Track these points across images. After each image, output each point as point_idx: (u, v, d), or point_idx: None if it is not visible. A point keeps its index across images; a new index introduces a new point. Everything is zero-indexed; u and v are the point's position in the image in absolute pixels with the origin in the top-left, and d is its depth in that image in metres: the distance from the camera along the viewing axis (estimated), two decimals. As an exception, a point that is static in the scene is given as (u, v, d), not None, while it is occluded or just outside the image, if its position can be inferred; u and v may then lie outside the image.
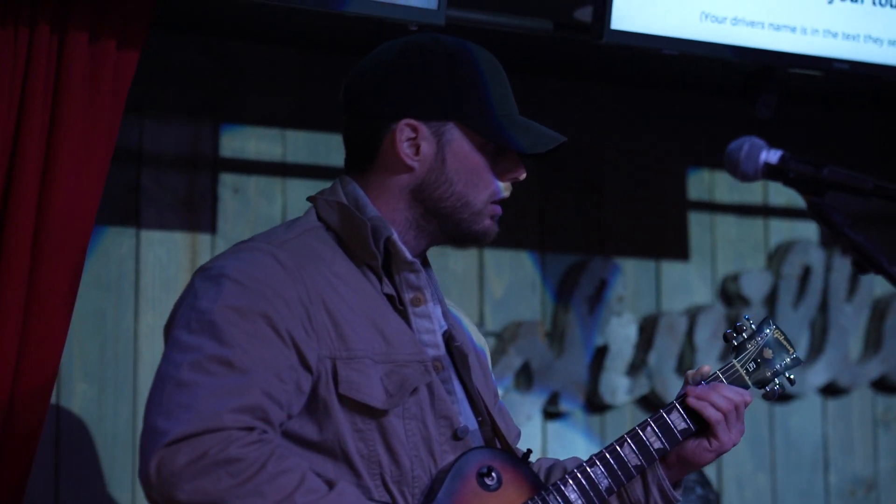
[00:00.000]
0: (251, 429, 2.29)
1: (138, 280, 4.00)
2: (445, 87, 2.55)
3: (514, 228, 4.58)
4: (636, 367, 4.77)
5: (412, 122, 2.54)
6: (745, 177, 2.32)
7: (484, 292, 4.60)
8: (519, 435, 2.90)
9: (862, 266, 2.24)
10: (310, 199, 2.62)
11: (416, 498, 2.46)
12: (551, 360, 4.60)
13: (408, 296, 2.55)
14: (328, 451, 2.42)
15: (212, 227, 4.12)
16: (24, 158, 3.03)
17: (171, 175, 4.05)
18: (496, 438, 2.65)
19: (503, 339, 4.57)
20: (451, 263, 4.53)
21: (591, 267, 4.72)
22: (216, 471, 2.23)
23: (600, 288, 4.72)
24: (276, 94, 4.25)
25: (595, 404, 4.72)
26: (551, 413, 4.64)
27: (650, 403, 4.78)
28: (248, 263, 2.43)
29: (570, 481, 2.62)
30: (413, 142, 2.55)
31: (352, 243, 2.53)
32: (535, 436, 4.57)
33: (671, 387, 4.78)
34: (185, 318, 2.38)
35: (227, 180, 4.14)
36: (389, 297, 2.54)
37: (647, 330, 4.81)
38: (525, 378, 4.58)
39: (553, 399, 4.61)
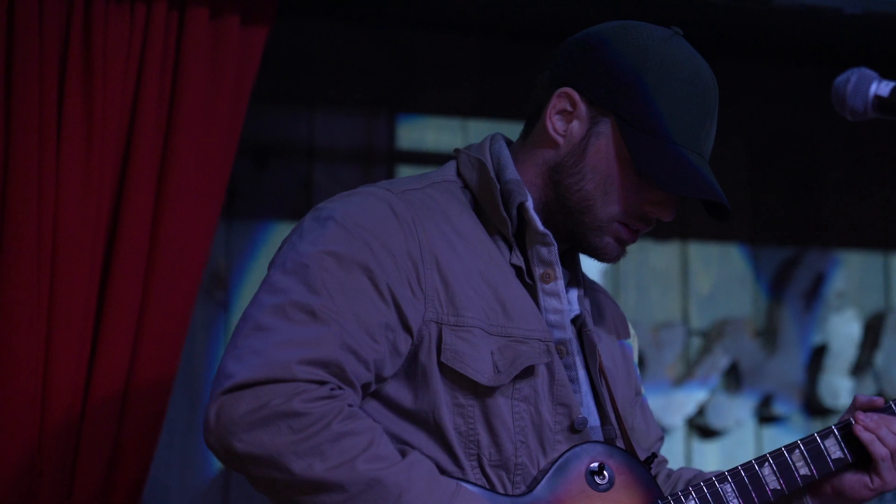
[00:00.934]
0: (322, 383, 2.09)
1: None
2: (624, 79, 2.28)
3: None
4: (861, 367, 4.41)
5: (573, 93, 2.29)
6: (854, 113, 2.05)
7: (689, 288, 4.34)
8: (661, 440, 2.65)
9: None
10: (455, 151, 2.44)
11: (517, 486, 2.23)
12: (763, 360, 4.30)
13: (538, 270, 2.30)
14: (422, 422, 2.20)
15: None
16: (140, 150, 2.93)
17: (345, 168, 3.96)
18: (620, 439, 2.40)
19: (709, 338, 4.30)
20: (652, 258, 4.29)
21: (807, 260, 4.40)
22: (277, 423, 2.06)
23: (817, 283, 4.39)
24: (456, 83, 4.11)
25: (814, 407, 4.38)
26: (765, 417, 4.32)
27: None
28: (360, 208, 2.23)
29: (694, 494, 2.33)
30: (566, 115, 2.30)
31: (485, 205, 2.31)
32: (747, 441, 4.28)
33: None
34: (282, 258, 2.21)
35: (404, 172, 4.02)
36: (518, 270, 2.31)
37: (874, 328, 4.44)
38: (734, 379, 4.29)
39: (766, 401, 4.30)
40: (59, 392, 2.81)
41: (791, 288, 4.38)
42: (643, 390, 2.64)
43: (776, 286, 4.41)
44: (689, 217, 4.34)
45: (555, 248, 2.29)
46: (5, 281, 2.78)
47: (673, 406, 4.20)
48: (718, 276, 4.37)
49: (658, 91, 2.25)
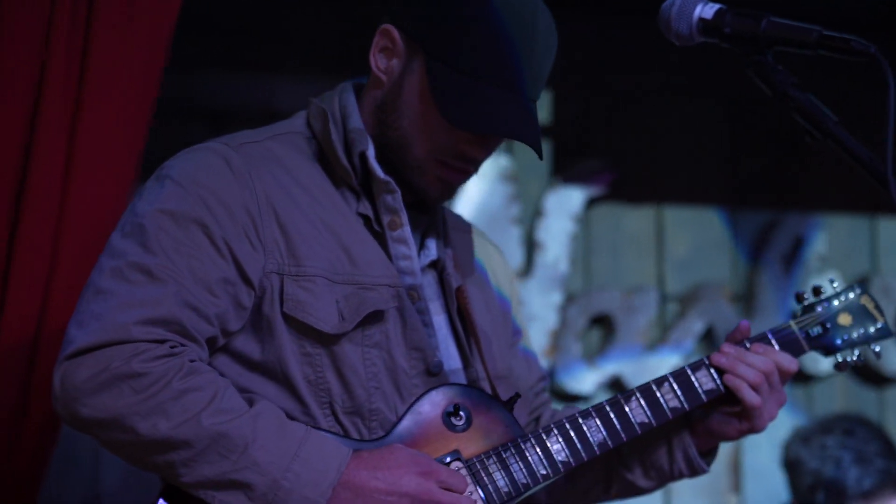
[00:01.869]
0: (161, 342, 2.10)
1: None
2: (437, 13, 2.25)
3: (700, 183, 4.25)
4: (843, 333, 4.32)
5: (392, 29, 2.27)
6: (679, 37, 1.99)
7: (664, 253, 4.28)
8: (542, 379, 2.62)
9: (811, 134, 1.89)
10: (309, 100, 2.41)
11: (374, 432, 2.22)
12: (739, 325, 4.24)
13: (385, 218, 2.30)
14: (270, 373, 2.20)
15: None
16: (49, 105, 2.91)
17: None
18: (485, 381, 2.38)
19: (684, 302, 4.24)
20: (626, 223, 4.24)
21: (787, 223, 4.33)
22: (118, 385, 2.06)
23: (797, 246, 4.31)
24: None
25: (796, 375, 4.29)
26: (743, 383, 4.25)
27: (863, 373, 4.32)
28: (195, 165, 2.23)
29: (556, 431, 2.31)
30: (387, 52, 2.29)
31: (329, 155, 2.30)
32: (724, 407, 4.21)
33: (891, 356, 4.30)
34: (122, 221, 2.22)
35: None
36: (365, 219, 2.30)
37: (858, 293, 4.34)
38: (708, 344, 4.23)
39: (743, 367, 4.23)
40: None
41: (770, 252, 4.31)
42: (526, 340, 2.62)
43: (755, 250, 4.34)
44: (664, 181, 4.30)
45: (398, 195, 2.28)
46: None
47: (645, 371, 4.14)
48: (694, 240, 4.32)
49: (468, 26, 2.21)
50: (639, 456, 2.47)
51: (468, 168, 2.30)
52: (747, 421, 2.40)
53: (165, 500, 2.13)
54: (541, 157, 2.24)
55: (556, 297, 4.17)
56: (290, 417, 2.17)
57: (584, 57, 4.09)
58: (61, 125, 2.89)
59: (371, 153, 2.28)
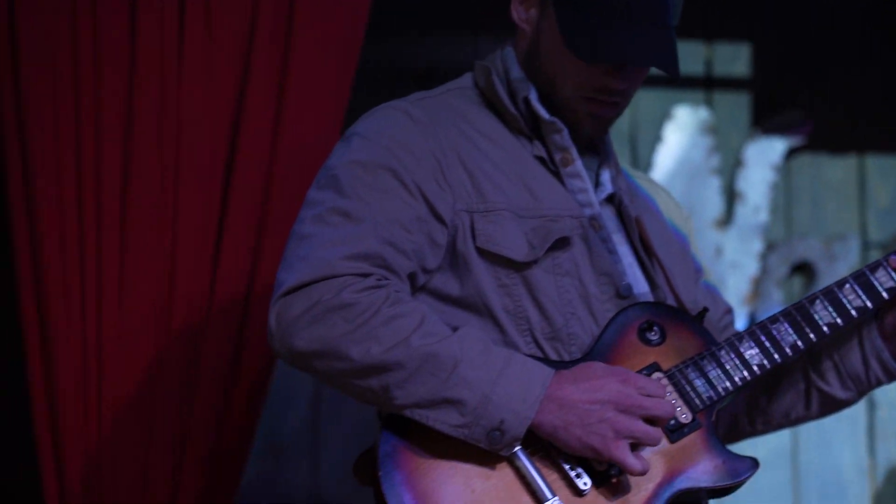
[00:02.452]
0: (367, 275, 2.25)
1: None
2: None
3: (902, 130, 4.27)
4: None
5: None
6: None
7: (866, 201, 4.30)
8: (729, 312, 2.72)
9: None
10: (473, 63, 2.60)
11: (573, 355, 2.36)
12: (944, 273, 4.22)
13: (557, 156, 2.45)
14: (471, 306, 2.35)
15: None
16: (257, 67, 3.09)
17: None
18: (672, 300, 2.50)
19: (886, 250, 4.24)
20: (826, 172, 4.28)
21: None
22: (330, 317, 2.21)
23: None
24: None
25: None
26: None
27: None
28: (377, 121, 2.41)
29: (748, 337, 2.43)
30: (525, 2, 2.45)
31: (497, 105, 2.47)
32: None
33: None
34: (316, 178, 2.40)
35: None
36: (541, 160, 2.45)
37: None
38: (912, 293, 4.23)
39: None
40: (184, 297, 3.07)
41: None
42: (707, 276, 2.73)
43: (960, 196, 4.32)
44: (865, 130, 4.32)
45: (566, 133, 2.43)
46: (133, 189, 3.05)
47: (848, 318, 4.18)
48: (898, 188, 4.32)
49: None
50: (834, 367, 2.56)
51: (615, 100, 2.44)
52: None
53: (387, 430, 2.25)
54: (677, 77, 2.36)
55: (757, 246, 4.23)
56: None
57: (782, 8, 4.15)
58: (270, 86, 3.11)
59: (534, 97, 2.43)
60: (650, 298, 2.49)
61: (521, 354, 2.26)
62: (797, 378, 2.60)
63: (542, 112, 2.43)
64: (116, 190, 3.05)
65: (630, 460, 2.21)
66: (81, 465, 3.00)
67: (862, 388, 2.58)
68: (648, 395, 2.24)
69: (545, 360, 2.32)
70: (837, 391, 2.58)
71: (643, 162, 4.19)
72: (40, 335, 3.02)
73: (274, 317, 2.24)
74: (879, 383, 2.57)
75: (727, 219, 4.25)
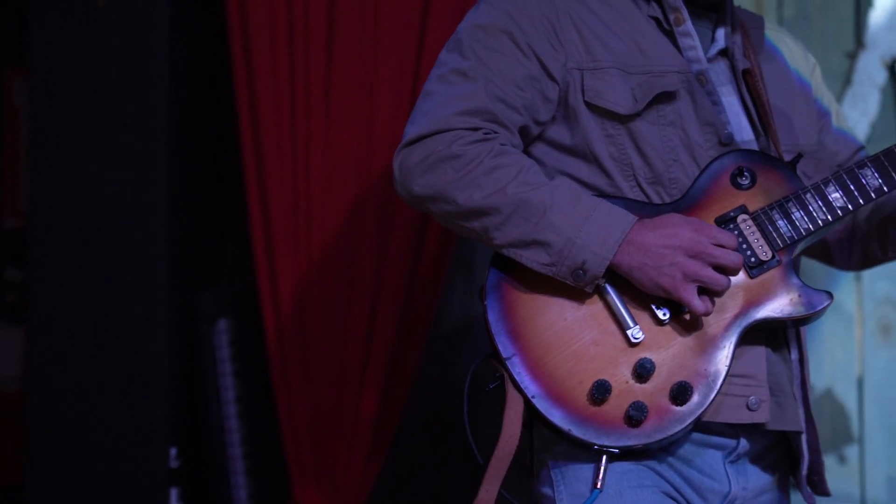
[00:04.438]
0: (476, 129, 2.57)
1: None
2: None
3: None
4: None
5: None
6: None
7: None
8: (859, 150, 2.92)
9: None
10: None
11: (673, 197, 2.65)
12: None
13: (671, 16, 2.71)
14: (580, 154, 2.66)
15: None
16: None
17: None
18: (775, 150, 2.74)
19: None
20: None
21: None
22: (442, 165, 2.55)
23: None
24: None
25: None
26: None
27: None
28: None
29: (833, 181, 2.66)
30: None
31: None
32: None
33: None
34: (447, 42, 2.73)
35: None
36: (657, 21, 2.72)
37: None
38: None
39: None
40: (379, 153, 3.52)
41: None
42: (839, 120, 2.94)
43: None
44: None
45: None
46: (335, 57, 3.50)
47: None
48: None
49: None
50: (880, 236, 2.80)
51: None
52: None
53: (494, 267, 2.61)
54: None
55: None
56: (600, 191, 2.64)
57: None
58: None
59: None
60: (754, 146, 2.74)
61: (609, 204, 2.56)
62: (876, 226, 2.84)
63: None
64: (322, 58, 3.50)
65: (696, 301, 2.50)
66: (293, 299, 3.52)
67: None
68: (719, 245, 2.52)
69: (640, 203, 2.63)
70: None
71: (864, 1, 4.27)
72: (258, 186, 3.54)
73: (397, 165, 2.61)
74: None
75: None
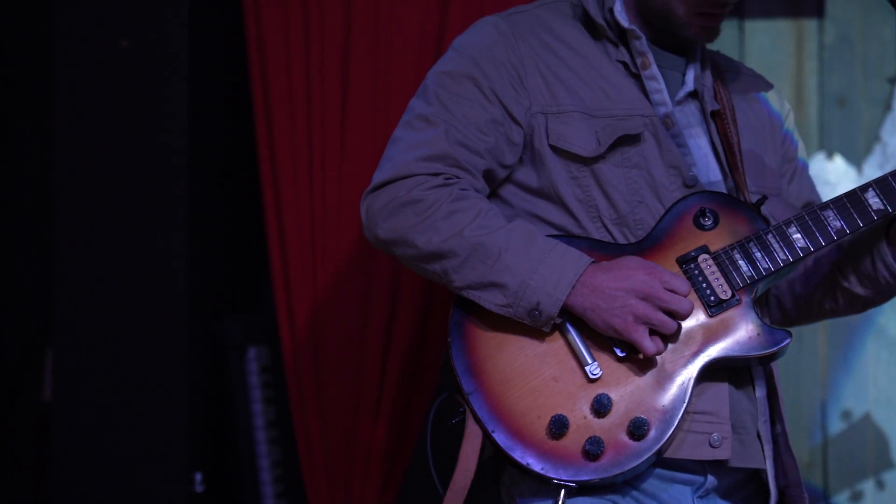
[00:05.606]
0: (438, 174, 2.65)
1: (742, 68, 4.25)
2: None
3: None
4: None
5: None
6: None
7: None
8: (810, 202, 2.95)
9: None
10: None
11: (639, 237, 2.70)
12: None
13: (638, 60, 2.76)
14: (547, 195, 2.72)
15: (818, 12, 4.25)
16: None
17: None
18: (742, 192, 2.77)
19: None
20: None
21: None
22: (404, 210, 2.64)
23: None
24: None
25: None
26: None
27: None
28: (471, 34, 2.80)
29: (795, 222, 2.69)
30: None
31: (587, 16, 2.79)
32: None
33: None
34: (418, 89, 2.81)
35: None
36: (624, 65, 2.77)
37: None
38: None
39: None
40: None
41: None
42: (801, 160, 2.97)
43: None
44: None
45: (643, 39, 2.75)
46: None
47: None
48: None
49: None
50: (853, 266, 2.81)
51: (724, 10, 2.74)
52: None
53: (458, 307, 2.68)
54: None
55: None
56: (567, 231, 2.70)
57: None
58: None
59: (618, 7, 2.75)
60: (721, 187, 2.78)
61: (566, 246, 2.61)
62: (826, 270, 2.86)
63: (622, 20, 2.76)
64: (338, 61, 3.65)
65: (646, 342, 2.56)
66: (308, 314, 3.62)
67: (878, 287, 2.80)
68: (670, 290, 2.57)
69: (607, 244, 2.69)
70: (856, 287, 2.82)
71: None
72: (274, 195, 3.67)
73: (364, 210, 2.71)
74: (888, 283, 2.77)
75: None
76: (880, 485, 4.16)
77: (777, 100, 2.99)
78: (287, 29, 3.70)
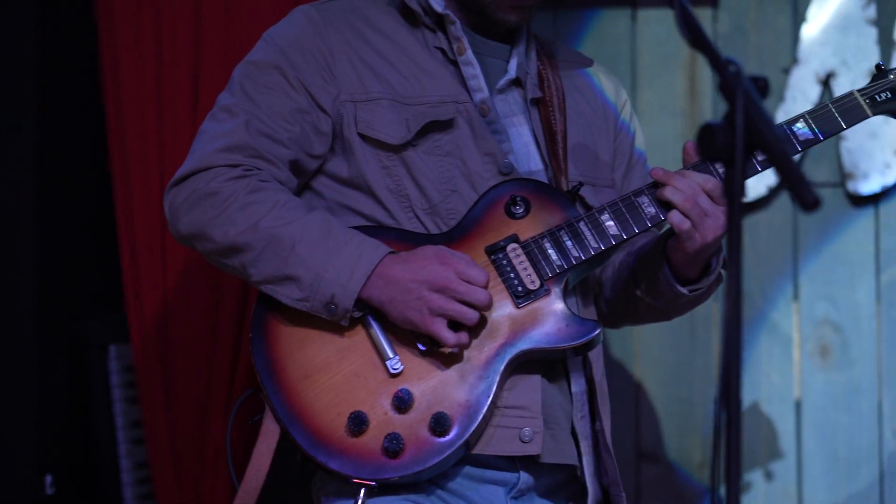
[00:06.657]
0: (236, 165, 2.56)
1: (635, 59, 4.20)
2: None
3: None
4: None
5: None
6: None
7: None
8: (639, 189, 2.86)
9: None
10: None
11: (451, 226, 2.62)
12: None
13: (454, 45, 2.68)
14: (357, 186, 2.64)
15: (712, 2, 4.17)
16: None
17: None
18: (563, 180, 2.69)
19: None
20: None
21: None
22: (202, 203, 2.55)
23: None
24: None
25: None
26: None
27: None
28: (282, 23, 2.73)
29: (608, 209, 2.61)
30: None
31: (403, 3, 2.71)
32: None
33: None
34: None
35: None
36: (442, 51, 2.70)
37: None
38: None
39: None
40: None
41: None
42: (638, 150, 2.88)
43: None
44: None
45: (458, 24, 2.68)
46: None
47: None
48: None
49: None
50: (643, 273, 2.73)
51: None
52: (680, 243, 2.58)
53: (259, 302, 2.59)
54: None
55: (914, 97, 4.12)
56: (378, 222, 2.62)
57: None
58: None
59: None
60: (542, 176, 2.70)
61: (363, 237, 2.53)
62: (626, 276, 2.78)
63: (436, 6, 2.69)
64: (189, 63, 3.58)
65: (444, 334, 2.48)
66: (157, 312, 3.54)
67: (664, 299, 2.70)
68: (467, 281, 2.48)
69: (416, 234, 2.61)
70: (647, 296, 2.73)
71: (799, 15, 4.17)
72: (124, 190, 3.60)
73: (167, 204, 2.63)
74: (672, 295, 2.67)
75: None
76: (768, 476, 4.07)
77: (613, 90, 2.91)
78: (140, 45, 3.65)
